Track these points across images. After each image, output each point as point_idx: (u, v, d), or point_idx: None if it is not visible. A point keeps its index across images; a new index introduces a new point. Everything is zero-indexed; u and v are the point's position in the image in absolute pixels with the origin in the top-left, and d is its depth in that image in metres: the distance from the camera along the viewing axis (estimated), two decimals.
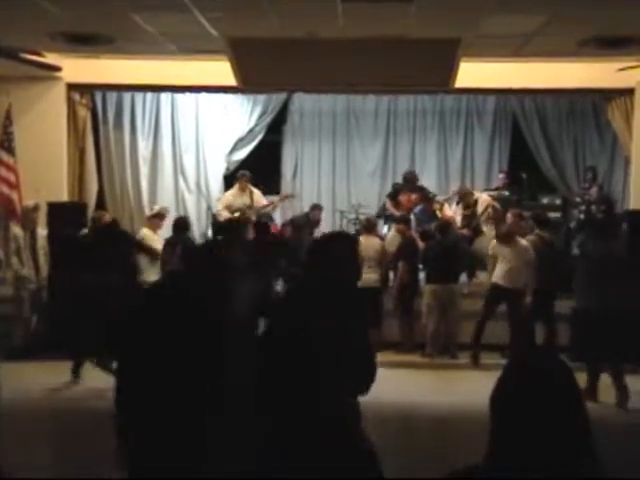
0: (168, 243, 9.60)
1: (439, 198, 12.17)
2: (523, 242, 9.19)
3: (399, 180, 12.26)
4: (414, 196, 11.43)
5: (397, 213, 11.22)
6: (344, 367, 1.92)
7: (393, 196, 11.65)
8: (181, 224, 9.88)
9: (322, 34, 8.78)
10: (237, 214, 11.16)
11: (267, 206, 11.84)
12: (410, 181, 11.66)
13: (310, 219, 11.53)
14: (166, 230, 10.28)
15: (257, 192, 11.76)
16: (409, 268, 9.84)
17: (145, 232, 10.29)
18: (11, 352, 8.77)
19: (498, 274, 9.19)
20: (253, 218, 11.24)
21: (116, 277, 8.28)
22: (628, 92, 11.26)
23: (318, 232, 11.64)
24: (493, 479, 1.70)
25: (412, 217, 10.95)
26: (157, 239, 10.10)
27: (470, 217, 11.12)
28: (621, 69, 9.79)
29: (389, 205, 11.61)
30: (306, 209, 12.17)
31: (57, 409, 7.31)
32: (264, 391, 1.68)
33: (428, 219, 10.89)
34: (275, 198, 12.30)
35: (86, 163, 11.78)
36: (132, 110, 13.00)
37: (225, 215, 11.28)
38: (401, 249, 9.99)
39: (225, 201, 11.71)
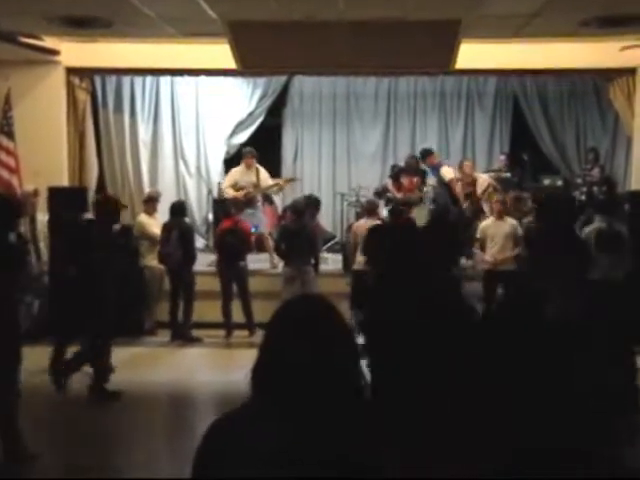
0: (165, 227, 9.61)
1: None
2: (512, 221, 9.33)
3: (400, 162, 12.25)
4: (416, 179, 11.41)
5: (398, 195, 11.19)
6: None
7: (395, 177, 11.62)
8: (177, 208, 9.87)
9: (322, 16, 8.71)
10: (241, 192, 11.08)
11: (273, 186, 11.67)
12: (412, 166, 11.63)
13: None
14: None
15: (264, 171, 11.54)
16: None
17: (142, 218, 10.28)
18: None
19: (488, 257, 9.26)
20: (258, 197, 11.21)
21: (118, 261, 8.29)
22: (630, 72, 11.21)
23: (319, 216, 11.63)
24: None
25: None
26: (154, 223, 10.09)
27: (469, 196, 11.10)
28: (623, 48, 9.74)
29: (391, 186, 11.57)
30: (307, 192, 12.12)
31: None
32: None
33: None
34: (280, 180, 12.15)
35: (86, 147, 11.75)
36: (132, 94, 12.95)
37: (230, 193, 11.14)
38: None
39: (231, 178, 11.43)
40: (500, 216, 9.42)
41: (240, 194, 10.97)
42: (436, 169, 11.48)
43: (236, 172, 11.49)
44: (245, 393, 1.66)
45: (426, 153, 11.69)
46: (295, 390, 1.62)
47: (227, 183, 11.41)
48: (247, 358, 1.67)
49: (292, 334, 1.68)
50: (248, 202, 10.97)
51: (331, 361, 1.65)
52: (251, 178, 11.23)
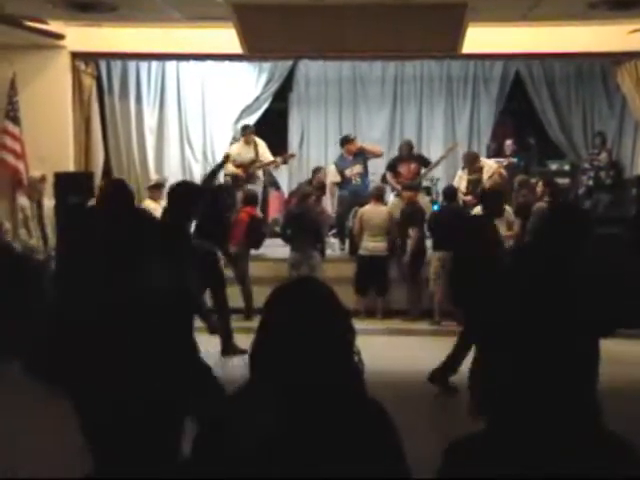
0: (165, 212, 9.60)
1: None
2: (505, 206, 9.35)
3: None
4: (413, 165, 11.29)
5: (397, 185, 11.07)
6: None
7: (392, 168, 11.44)
8: None
9: (328, 0, 8.66)
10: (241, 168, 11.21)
11: (270, 163, 11.69)
12: (405, 152, 11.47)
13: (314, 185, 11.39)
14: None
15: (262, 144, 11.58)
16: (420, 235, 9.88)
17: (148, 203, 10.31)
18: None
19: None
20: (258, 173, 11.30)
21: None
22: (638, 55, 11.11)
23: (325, 200, 11.60)
24: (492, 447, 1.70)
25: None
26: (159, 209, 10.09)
27: (475, 183, 11.04)
28: (632, 31, 9.66)
29: (389, 177, 11.38)
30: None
31: None
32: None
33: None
34: (277, 157, 12.06)
35: (92, 132, 11.74)
36: (137, 79, 12.91)
37: (229, 169, 11.22)
38: (410, 216, 9.98)
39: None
40: None
41: (240, 170, 11.11)
42: (360, 155, 11.32)
43: (234, 148, 11.66)
44: (242, 377, 1.65)
45: (344, 141, 11.40)
46: (291, 373, 1.61)
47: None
48: (244, 342, 1.66)
49: (288, 316, 1.67)
50: (248, 178, 11.14)
51: (327, 344, 1.65)
52: (250, 154, 11.39)
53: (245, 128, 11.65)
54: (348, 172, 11.14)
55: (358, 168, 11.13)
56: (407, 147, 11.51)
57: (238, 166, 11.21)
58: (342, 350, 1.69)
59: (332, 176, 11.35)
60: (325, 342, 1.66)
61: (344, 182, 11.18)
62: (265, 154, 11.53)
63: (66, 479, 4.90)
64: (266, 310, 1.75)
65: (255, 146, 11.42)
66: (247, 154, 11.35)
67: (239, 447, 1.61)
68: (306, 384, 1.61)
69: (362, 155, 11.23)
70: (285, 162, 12.18)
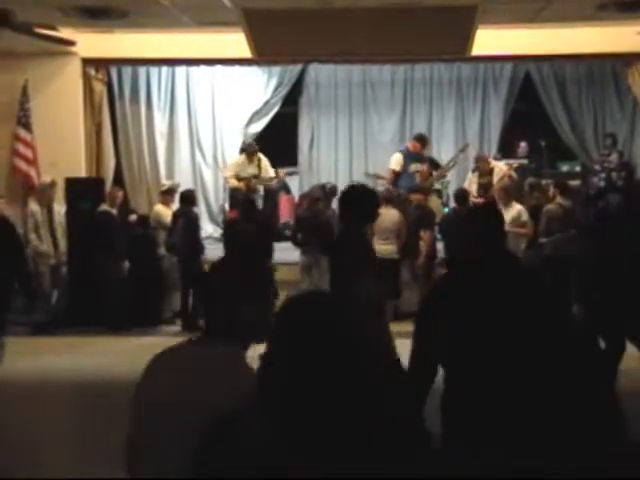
0: (173, 216, 9.67)
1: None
2: (518, 206, 9.28)
3: None
4: (425, 167, 11.29)
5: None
6: None
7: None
8: (186, 197, 9.88)
9: (338, 3, 8.66)
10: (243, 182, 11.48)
11: (272, 179, 11.89)
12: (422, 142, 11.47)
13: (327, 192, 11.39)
14: None
15: (265, 161, 11.83)
16: (432, 238, 9.86)
17: (159, 208, 10.33)
18: (32, 327, 8.86)
19: None
20: (260, 188, 11.43)
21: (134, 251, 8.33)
22: None
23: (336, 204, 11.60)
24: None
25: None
26: (170, 213, 10.12)
27: (486, 186, 11.00)
28: None
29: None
30: (323, 181, 12.09)
31: (77, 384, 7.35)
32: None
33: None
34: (279, 172, 12.17)
35: (103, 138, 11.78)
36: (148, 84, 12.96)
37: (233, 182, 11.56)
38: (420, 219, 9.95)
39: (232, 168, 11.86)
40: (505, 203, 9.41)
41: (242, 184, 11.38)
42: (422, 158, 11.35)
43: (238, 163, 11.91)
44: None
45: (418, 138, 11.45)
46: (296, 391, 1.54)
47: (230, 173, 11.82)
48: (252, 348, 1.64)
49: (293, 337, 1.59)
50: (249, 191, 11.33)
51: (338, 366, 1.55)
52: (252, 170, 11.65)
53: (247, 147, 11.92)
54: (413, 167, 11.11)
55: (417, 167, 11.11)
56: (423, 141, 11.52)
57: (240, 180, 11.43)
58: (353, 372, 1.57)
59: (394, 164, 11.25)
60: (334, 363, 1.56)
61: (401, 174, 11.12)
62: (267, 169, 11.82)
63: (66, 479, 4.90)
64: (274, 328, 1.68)
65: (259, 162, 11.67)
66: (250, 170, 11.65)
67: (238, 463, 1.57)
68: (312, 404, 1.54)
69: (422, 158, 11.24)
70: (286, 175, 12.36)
